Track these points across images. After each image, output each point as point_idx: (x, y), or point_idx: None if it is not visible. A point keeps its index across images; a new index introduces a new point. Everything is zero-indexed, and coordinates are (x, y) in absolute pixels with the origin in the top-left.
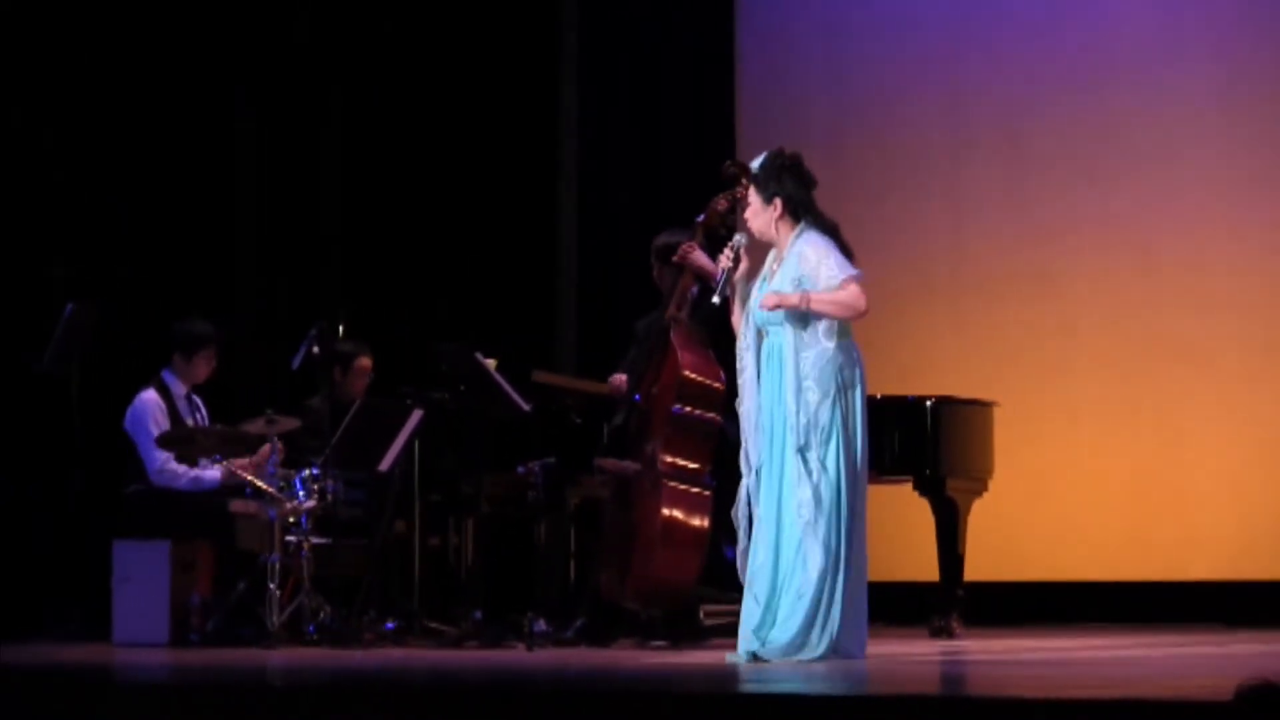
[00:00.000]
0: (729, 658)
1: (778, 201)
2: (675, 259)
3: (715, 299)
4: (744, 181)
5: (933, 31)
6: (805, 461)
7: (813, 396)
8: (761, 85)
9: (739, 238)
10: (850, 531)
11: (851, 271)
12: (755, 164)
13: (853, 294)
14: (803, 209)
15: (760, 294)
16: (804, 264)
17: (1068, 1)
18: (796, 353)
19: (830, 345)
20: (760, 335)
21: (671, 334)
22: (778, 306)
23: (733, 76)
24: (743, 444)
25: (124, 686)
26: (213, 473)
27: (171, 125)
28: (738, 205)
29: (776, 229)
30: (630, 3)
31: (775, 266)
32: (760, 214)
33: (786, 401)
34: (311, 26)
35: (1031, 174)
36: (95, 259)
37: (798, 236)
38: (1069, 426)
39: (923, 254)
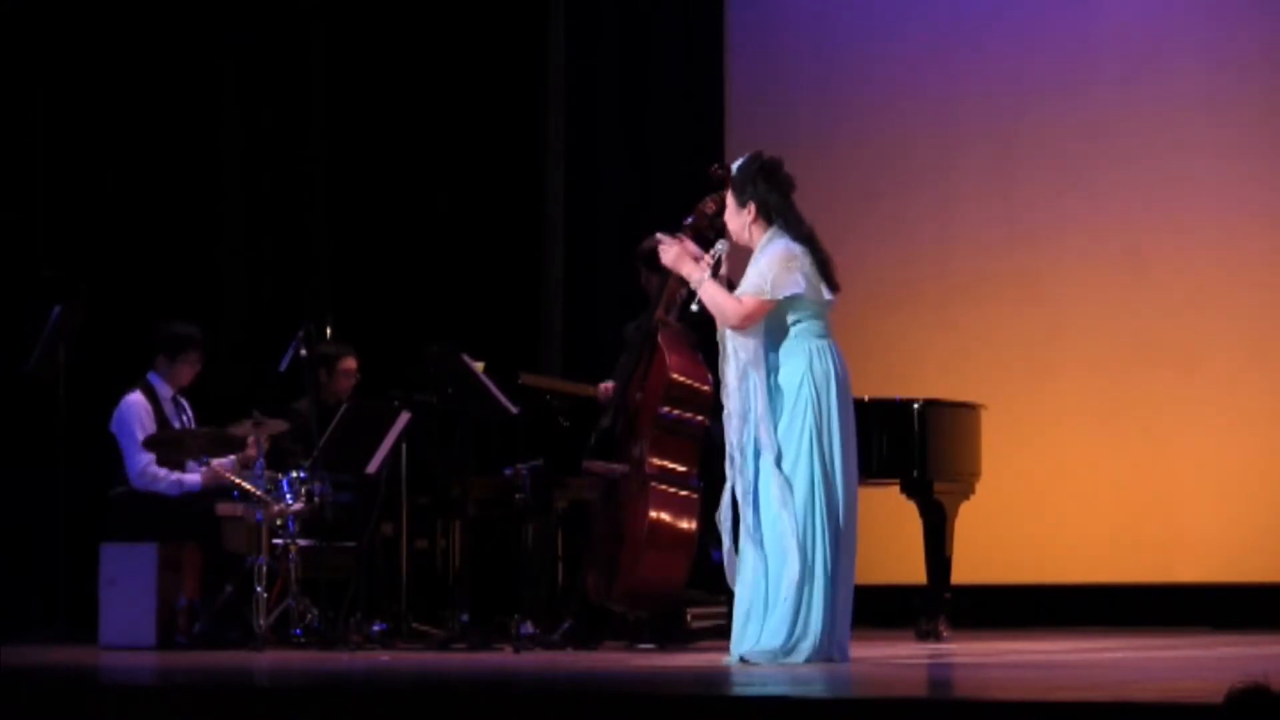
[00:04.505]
0: (723, 660)
1: (751, 206)
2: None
3: (694, 306)
4: None
5: (921, 34)
6: (778, 469)
7: (781, 404)
8: (751, 87)
9: (721, 244)
10: (831, 537)
11: (759, 289)
12: (734, 166)
13: (735, 308)
14: (777, 213)
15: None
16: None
17: (1055, 4)
18: (765, 361)
19: (801, 346)
20: None
21: (659, 337)
22: (675, 262)
23: (722, 78)
24: (727, 447)
25: (110, 689)
26: (194, 476)
27: (159, 127)
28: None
29: (750, 233)
30: (618, 4)
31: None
32: (734, 217)
33: (755, 409)
34: (298, 27)
35: (1019, 176)
36: (82, 261)
37: (767, 243)
38: (1056, 429)
39: (910, 256)
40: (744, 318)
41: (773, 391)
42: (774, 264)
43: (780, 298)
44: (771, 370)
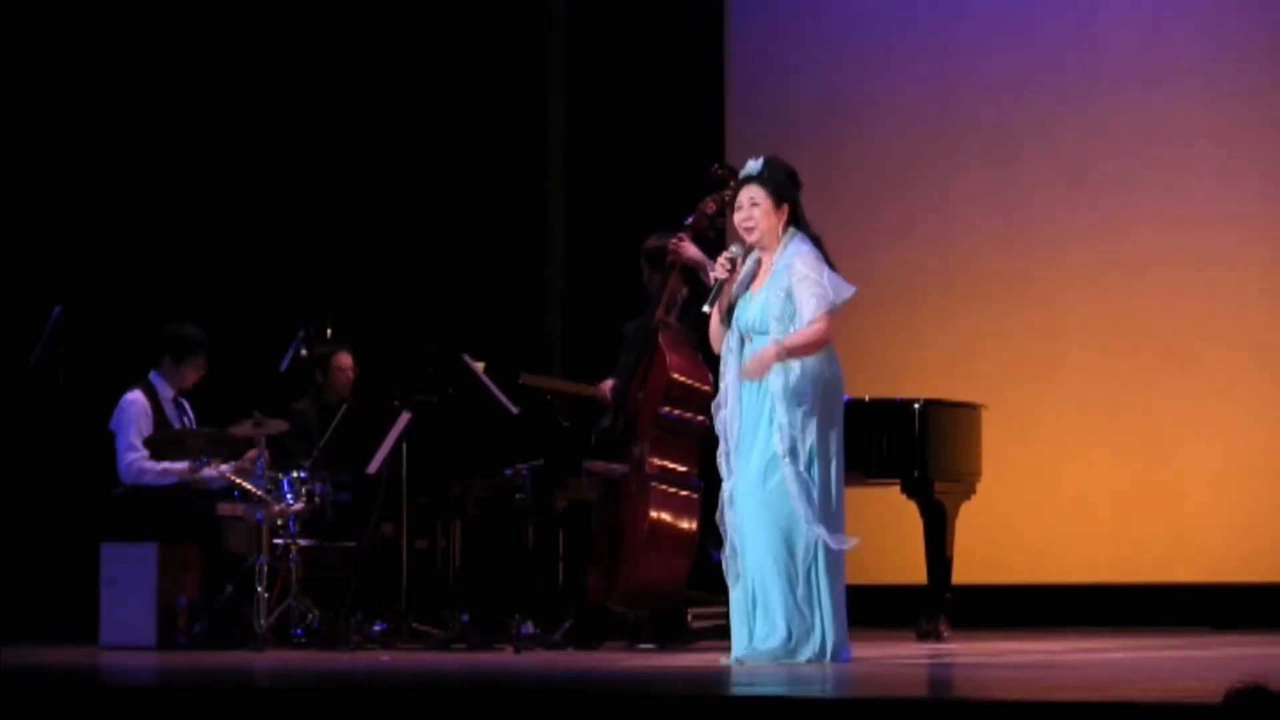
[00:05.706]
0: (723, 660)
1: (786, 207)
2: (669, 248)
3: (706, 308)
4: (732, 184)
5: (921, 37)
6: (789, 471)
7: (796, 408)
8: (751, 87)
9: (735, 248)
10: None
11: (831, 303)
12: (757, 165)
13: (818, 332)
14: (799, 218)
15: (744, 302)
16: (793, 275)
17: (1055, 6)
18: (781, 364)
19: (812, 357)
20: (744, 341)
21: (660, 337)
22: (760, 370)
23: (722, 79)
24: (722, 447)
25: (111, 689)
26: (179, 465)
27: (160, 126)
28: (726, 208)
29: (776, 232)
30: (619, 5)
31: (760, 273)
32: (771, 214)
33: (770, 412)
34: (300, 26)
35: (1019, 177)
36: (84, 260)
37: (786, 245)
38: (1056, 429)
39: (911, 257)
40: (826, 335)
41: (780, 391)
42: (818, 269)
43: (842, 302)
44: (780, 371)
